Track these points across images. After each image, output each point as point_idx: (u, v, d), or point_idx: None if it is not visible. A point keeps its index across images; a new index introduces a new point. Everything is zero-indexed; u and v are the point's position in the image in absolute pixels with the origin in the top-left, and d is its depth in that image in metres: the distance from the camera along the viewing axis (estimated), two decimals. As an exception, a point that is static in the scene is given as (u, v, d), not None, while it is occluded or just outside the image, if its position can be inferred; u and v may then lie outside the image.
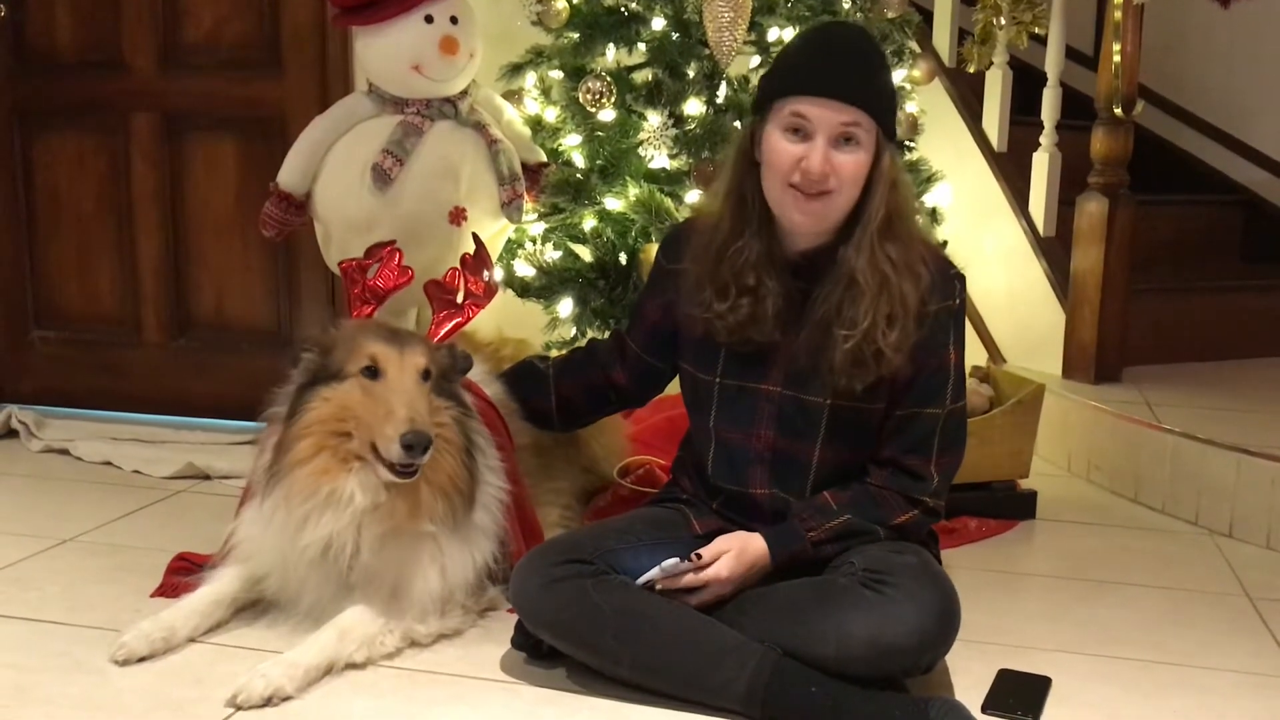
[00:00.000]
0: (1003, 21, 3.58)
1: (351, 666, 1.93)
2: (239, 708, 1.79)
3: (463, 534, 2.03)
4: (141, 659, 1.91)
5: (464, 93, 2.66)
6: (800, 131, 1.85)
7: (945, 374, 1.93)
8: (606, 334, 2.81)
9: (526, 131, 2.84)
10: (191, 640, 1.99)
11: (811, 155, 1.83)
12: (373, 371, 1.95)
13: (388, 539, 1.97)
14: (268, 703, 1.80)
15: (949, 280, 1.93)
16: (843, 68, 1.86)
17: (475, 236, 2.37)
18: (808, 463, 1.98)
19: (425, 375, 1.98)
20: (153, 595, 2.23)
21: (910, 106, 2.90)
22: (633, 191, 2.76)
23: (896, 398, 1.93)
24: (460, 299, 2.26)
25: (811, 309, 1.92)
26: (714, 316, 1.96)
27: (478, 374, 2.27)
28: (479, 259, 2.29)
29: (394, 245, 2.24)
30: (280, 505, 1.96)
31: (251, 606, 2.11)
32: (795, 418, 1.97)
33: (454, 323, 2.25)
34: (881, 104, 1.87)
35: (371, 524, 1.95)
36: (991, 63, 3.70)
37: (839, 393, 1.92)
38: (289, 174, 2.62)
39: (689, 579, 1.90)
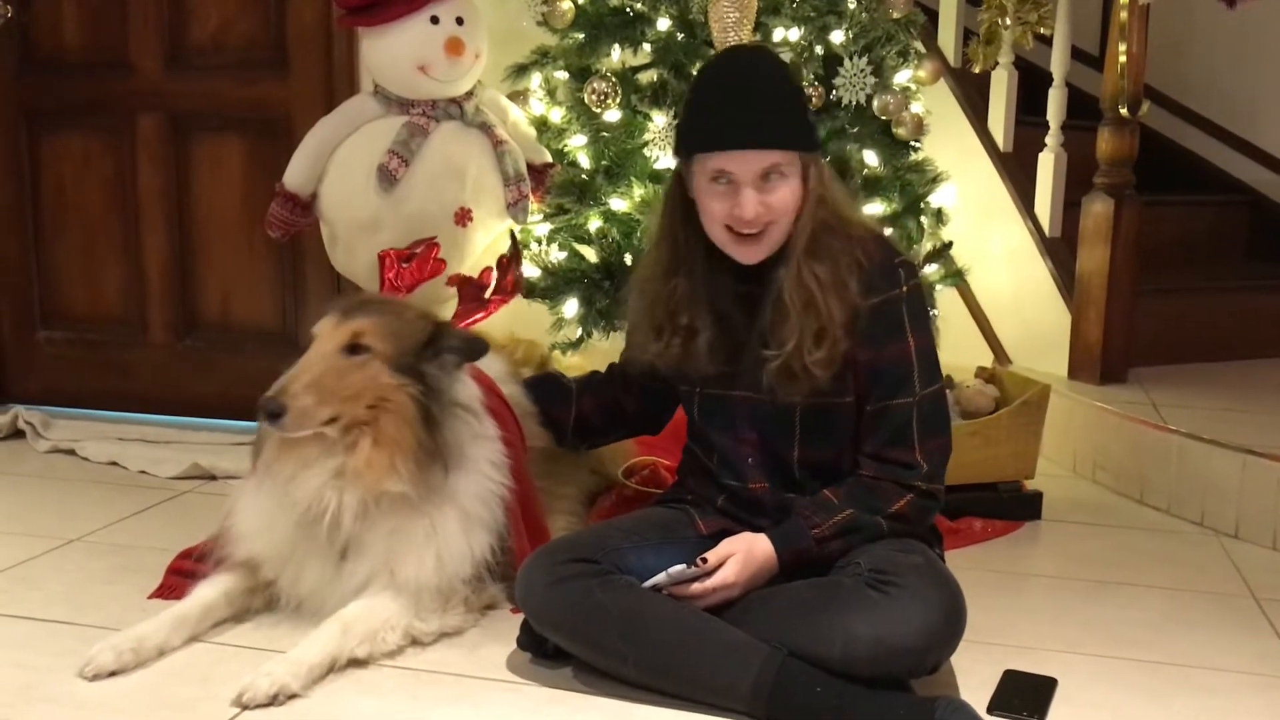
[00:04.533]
0: (1008, 21, 3.58)
1: (354, 663, 1.94)
2: (245, 707, 1.79)
3: (458, 521, 2.04)
4: (112, 673, 1.88)
5: (469, 93, 2.66)
6: (727, 179, 1.89)
7: (908, 364, 1.93)
8: (611, 334, 2.82)
9: (532, 132, 2.84)
10: (162, 653, 1.96)
11: (743, 204, 1.87)
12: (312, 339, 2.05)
13: (370, 508, 2.00)
14: (273, 701, 1.80)
15: (893, 270, 1.94)
16: (749, 115, 1.88)
17: (512, 234, 2.39)
18: (789, 461, 2.00)
19: (351, 349, 2.01)
20: (151, 597, 2.23)
21: (916, 107, 2.89)
22: (638, 192, 2.76)
23: (863, 392, 1.95)
24: (488, 294, 2.30)
25: (757, 320, 1.96)
26: (651, 357, 2.04)
27: (496, 372, 2.28)
28: (515, 256, 2.33)
29: (434, 240, 2.28)
30: (267, 470, 2.05)
31: (235, 619, 2.10)
32: (771, 419, 2.00)
33: (474, 317, 2.28)
34: (796, 134, 1.91)
35: (345, 486, 1.99)
36: (997, 63, 3.69)
37: (785, 399, 1.95)
38: (294, 175, 2.62)
39: (696, 587, 1.90)
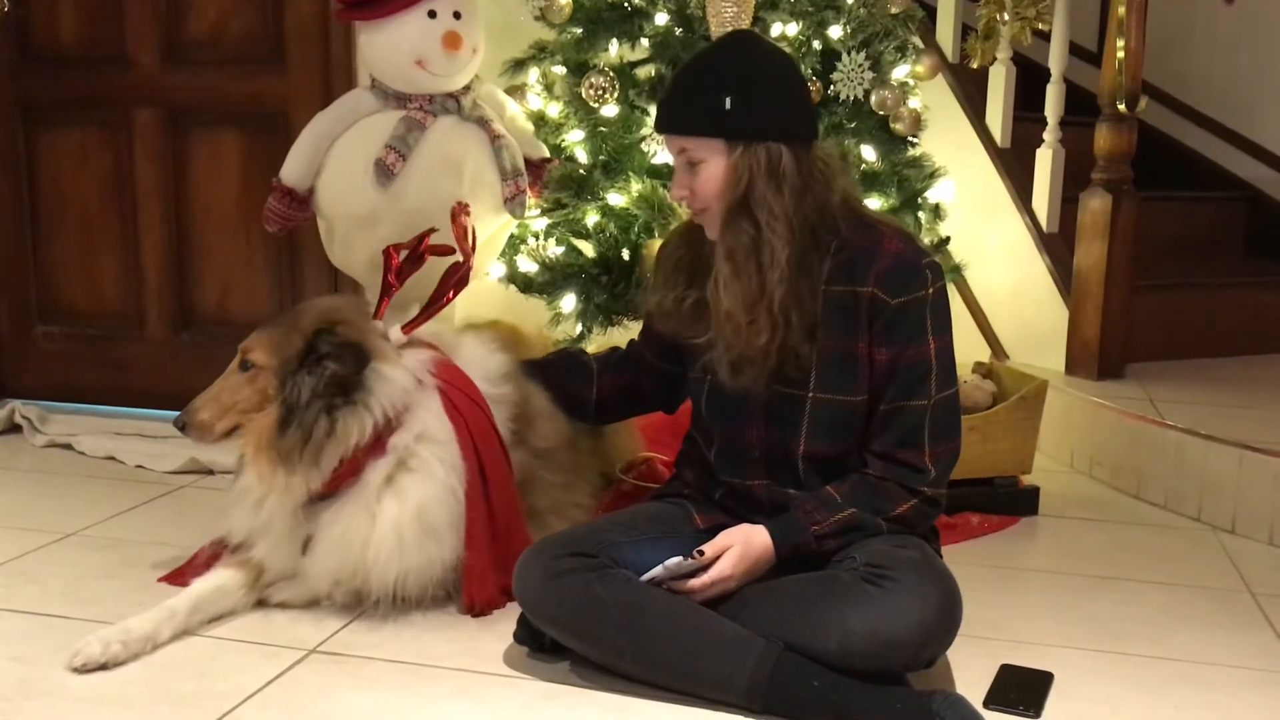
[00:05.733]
0: (1006, 17, 3.57)
1: (351, 658, 1.93)
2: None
3: (393, 523, 2.08)
4: (101, 666, 1.89)
5: (467, 88, 2.66)
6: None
7: (926, 365, 1.92)
8: (609, 329, 2.82)
9: (529, 127, 2.84)
10: (154, 646, 1.97)
11: (672, 185, 2.00)
12: None
13: (296, 506, 2.10)
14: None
15: (920, 270, 1.92)
16: (665, 103, 2.00)
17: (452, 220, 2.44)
18: (795, 456, 1.98)
19: (244, 366, 2.16)
20: (161, 580, 2.25)
21: (913, 102, 2.89)
22: (635, 187, 2.76)
23: (878, 390, 1.93)
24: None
25: None
26: (652, 307, 2.11)
27: (488, 370, 2.28)
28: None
29: (427, 231, 2.33)
30: (237, 472, 2.24)
31: (232, 614, 2.12)
32: (780, 410, 1.98)
33: (441, 303, 2.30)
34: (701, 121, 1.91)
35: (259, 483, 2.12)
36: (995, 58, 3.69)
37: (785, 382, 1.96)
38: (292, 169, 2.62)
39: (695, 582, 1.89)
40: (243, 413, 2.14)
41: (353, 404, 2.10)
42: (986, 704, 1.85)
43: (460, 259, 2.33)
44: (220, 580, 2.12)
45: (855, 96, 2.79)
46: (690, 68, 2.01)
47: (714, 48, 2.03)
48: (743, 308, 1.89)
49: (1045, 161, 3.61)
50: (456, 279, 2.32)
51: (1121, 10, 3.19)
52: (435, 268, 2.37)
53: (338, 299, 2.40)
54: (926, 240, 2.94)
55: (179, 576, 2.24)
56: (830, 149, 2.02)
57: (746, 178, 1.89)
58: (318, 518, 2.11)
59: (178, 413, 2.15)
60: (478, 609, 2.14)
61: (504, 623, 2.06)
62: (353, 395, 2.10)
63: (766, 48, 2.01)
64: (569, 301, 2.82)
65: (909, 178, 2.87)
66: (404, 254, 2.29)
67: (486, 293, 2.94)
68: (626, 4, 2.83)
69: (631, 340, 2.37)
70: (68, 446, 3.18)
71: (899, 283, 1.90)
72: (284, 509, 2.11)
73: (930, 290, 1.92)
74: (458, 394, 2.20)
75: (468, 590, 2.14)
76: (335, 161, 2.60)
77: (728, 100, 1.88)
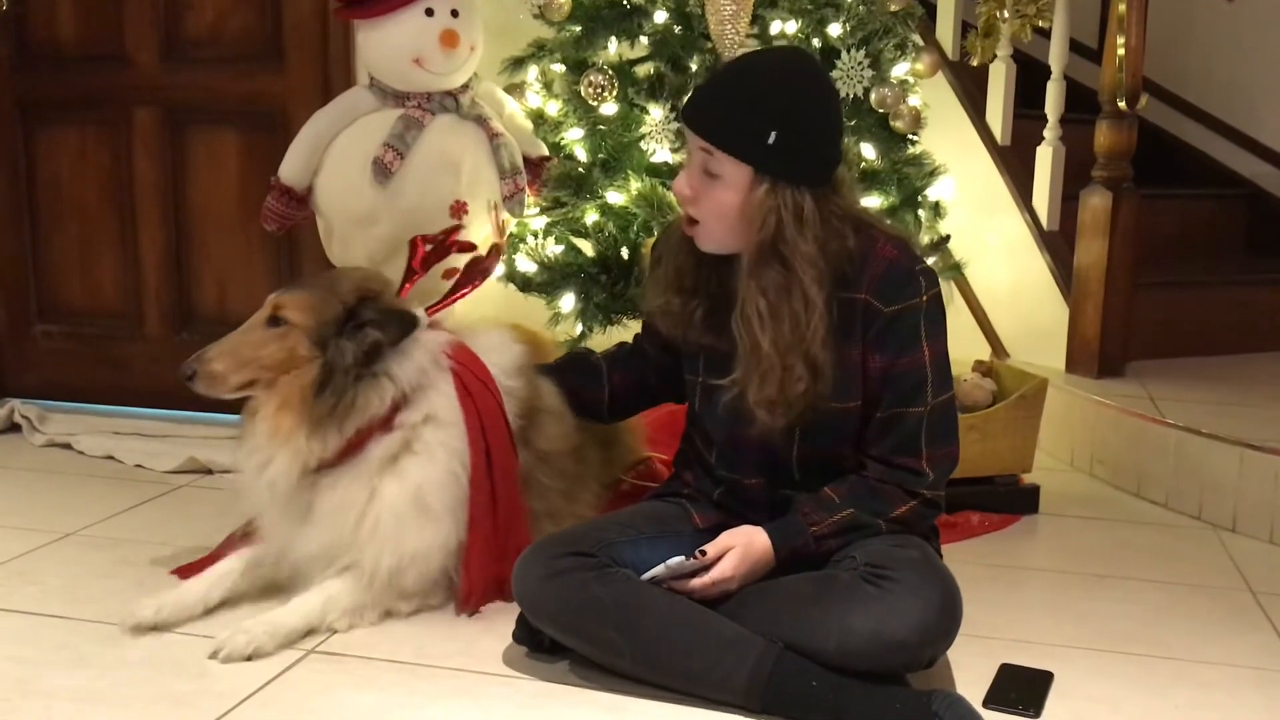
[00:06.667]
0: (1006, 14, 3.57)
1: (348, 656, 1.94)
2: (222, 661, 1.92)
3: (392, 504, 2.08)
4: (153, 628, 2.00)
5: (465, 86, 2.66)
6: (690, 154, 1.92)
7: (920, 373, 1.90)
8: (608, 329, 2.82)
9: (528, 125, 2.83)
10: (191, 619, 2.05)
11: (680, 174, 1.92)
12: None
13: (303, 471, 2.07)
14: (248, 659, 1.93)
15: (914, 278, 1.90)
16: (706, 101, 1.90)
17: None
18: (788, 458, 1.98)
19: (273, 321, 2.11)
20: (171, 572, 2.28)
21: (913, 100, 2.89)
22: (635, 185, 2.76)
23: (873, 397, 1.92)
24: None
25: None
26: (654, 308, 2.07)
27: (503, 360, 2.28)
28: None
29: (456, 226, 2.33)
30: (240, 441, 2.18)
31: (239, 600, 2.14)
32: None
33: (461, 294, 2.29)
34: (730, 136, 1.83)
35: (275, 448, 2.07)
36: (995, 56, 3.69)
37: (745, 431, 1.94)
38: (290, 168, 2.61)
39: (696, 582, 1.89)
40: (263, 369, 2.09)
41: (375, 375, 2.10)
42: (986, 704, 1.85)
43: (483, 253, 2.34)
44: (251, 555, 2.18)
45: (855, 94, 2.78)
46: (744, 79, 1.89)
47: (776, 66, 1.91)
48: (778, 350, 1.85)
49: (1045, 159, 3.60)
50: (482, 268, 2.33)
51: (1122, 7, 3.19)
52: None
53: (368, 269, 2.38)
54: (926, 239, 2.93)
55: (191, 571, 2.24)
56: (847, 179, 1.95)
57: (774, 220, 1.83)
58: (316, 487, 2.10)
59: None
60: (474, 596, 2.13)
61: (502, 622, 2.05)
62: (375, 367, 2.10)
63: (826, 86, 1.92)
64: (568, 301, 2.82)
65: (909, 175, 2.87)
66: (429, 246, 2.29)
67: (485, 292, 2.94)
68: (625, 2, 2.83)
69: (636, 335, 2.35)
70: (67, 446, 3.18)
71: (892, 289, 1.88)
72: (291, 472, 2.07)
73: (924, 297, 1.90)
74: (470, 377, 2.19)
75: (466, 576, 2.13)
76: (333, 160, 2.59)
77: (774, 134, 1.81)
